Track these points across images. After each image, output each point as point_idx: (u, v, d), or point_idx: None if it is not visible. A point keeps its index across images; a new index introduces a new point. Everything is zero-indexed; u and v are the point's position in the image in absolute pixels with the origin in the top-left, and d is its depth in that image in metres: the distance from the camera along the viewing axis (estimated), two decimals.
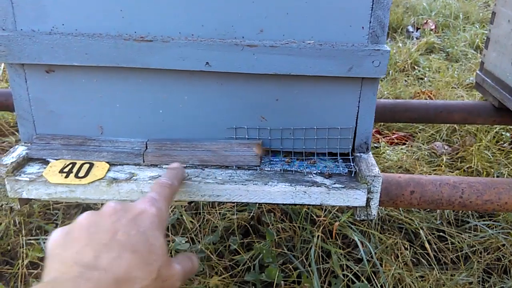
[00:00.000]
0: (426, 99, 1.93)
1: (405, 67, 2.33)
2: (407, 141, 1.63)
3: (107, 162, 0.67)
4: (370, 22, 0.63)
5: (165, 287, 0.43)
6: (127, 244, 0.41)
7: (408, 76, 2.25)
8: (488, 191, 0.75)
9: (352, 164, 0.70)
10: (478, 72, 1.28)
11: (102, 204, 1.27)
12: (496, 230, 1.18)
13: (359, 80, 0.66)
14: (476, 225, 1.21)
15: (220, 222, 1.18)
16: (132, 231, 0.43)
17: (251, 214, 1.20)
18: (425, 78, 2.21)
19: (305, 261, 1.08)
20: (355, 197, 0.64)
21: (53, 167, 0.66)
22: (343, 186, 0.65)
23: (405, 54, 2.43)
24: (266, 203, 1.13)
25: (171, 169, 0.60)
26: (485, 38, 1.23)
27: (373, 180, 0.64)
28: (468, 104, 1.25)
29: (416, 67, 2.34)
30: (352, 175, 0.68)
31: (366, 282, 1.03)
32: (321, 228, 1.16)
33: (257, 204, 1.22)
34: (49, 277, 0.38)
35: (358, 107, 0.69)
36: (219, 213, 1.22)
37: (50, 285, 0.36)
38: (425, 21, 3.11)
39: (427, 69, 2.32)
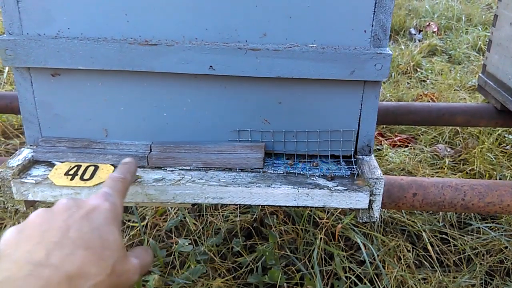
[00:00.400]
0: (429, 101, 1.93)
1: (407, 69, 2.33)
2: (409, 143, 1.63)
3: (112, 165, 0.68)
4: (372, 26, 0.64)
5: (121, 282, 0.43)
6: (79, 241, 0.41)
7: (410, 79, 2.26)
8: (490, 194, 0.75)
9: (354, 166, 0.71)
10: (480, 74, 1.28)
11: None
12: (498, 233, 1.18)
13: (362, 83, 0.67)
14: (479, 227, 1.21)
15: (223, 224, 1.19)
16: (85, 227, 0.42)
17: (254, 216, 1.21)
18: (428, 81, 2.21)
19: (308, 263, 1.08)
20: (358, 200, 0.65)
21: (59, 170, 0.67)
22: (345, 188, 0.65)
23: (407, 57, 2.43)
24: (269, 205, 1.13)
25: (124, 164, 0.59)
26: (488, 40, 1.24)
27: (375, 183, 0.65)
28: (470, 107, 1.25)
29: (418, 70, 2.35)
30: (355, 177, 0.68)
31: (369, 284, 1.03)
32: (323, 230, 1.16)
33: (260, 206, 1.22)
34: (1, 277, 0.37)
35: (361, 110, 0.69)
36: (222, 215, 1.22)
37: (1, 285, 0.36)
38: (427, 24, 3.11)
39: (430, 71, 2.32)
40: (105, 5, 0.64)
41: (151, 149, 0.70)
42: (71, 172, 0.66)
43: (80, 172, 0.66)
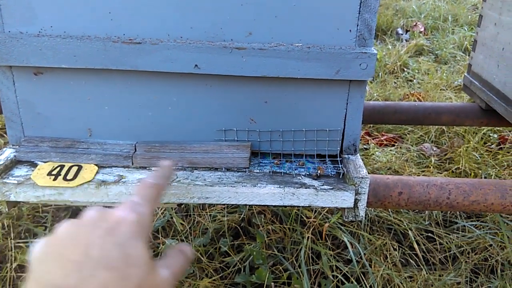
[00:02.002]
0: (415, 101, 1.95)
1: (394, 69, 2.35)
2: (396, 142, 1.64)
3: (96, 165, 0.67)
4: (357, 25, 0.64)
5: None
6: (101, 260, 0.38)
7: (397, 78, 2.27)
8: (474, 192, 0.76)
9: (340, 165, 0.71)
10: (466, 74, 1.30)
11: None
12: (483, 231, 1.20)
13: (347, 82, 0.67)
14: (464, 225, 1.22)
15: (211, 224, 1.18)
16: (108, 244, 0.40)
17: (242, 216, 1.21)
18: (414, 80, 2.23)
19: (295, 262, 1.08)
20: (343, 199, 0.65)
21: (41, 170, 0.66)
22: (331, 187, 0.65)
23: (394, 56, 2.45)
24: (255, 205, 1.13)
25: (159, 169, 0.58)
26: (473, 40, 1.25)
27: (360, 182, 0.65)
28: (456, 106, 1.27)
29: (405, 69, 2.36)
30: (340, 176, 0.69)
31: (356, 283, 1.04)
32: (311, 229, 1.16)
33: (248, 206, 1.22)
34: None
35: (346, 109, 0.69)
36: (210, 215, 1.22)
37: None
38: (414, 24, 3.14)
39: (416, 71, 2.34)
40: (89, 3, 0.63)
41: (135, 149, 0.69)
42: (54, 172, 0.65)
43: (63, 172, 0.65)
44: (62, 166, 0.67)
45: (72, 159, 0.68)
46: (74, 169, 0.66)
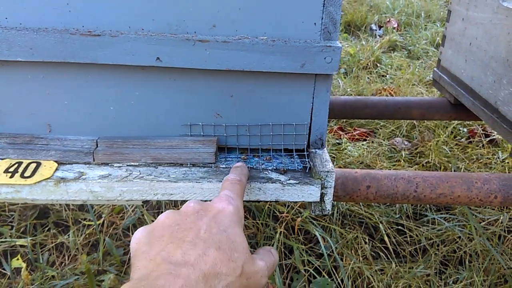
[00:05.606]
0: (387, 95, 1.97)
1: (368, 64, 2.37)
2: (368, 137, 1.65)
3: (55, 161, 0.65)
4: (322, 19, 0.63)
5: (250, 284, 0.43)
6: (210, 241, 0.41)
7: (370, 74, 2.29)
8: (441, 185, 0.76)
9: (307, 160, 0.70)
10: (435, 69, 1.31)
11: (53, 204, 1.23)
12: (452, 223, 1.22)
13: (313, 76, 0.66)
14: (434, 218, 1.24)
15: None
16: (214, 229, 0.43)
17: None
18: (387, 76, 2.25)
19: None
20: (309, 193, 0.65)
21: None
22: (297, 182, 0.65)
23: (368, 52, 2.47)
24: None
25: (236, 167, 0.61)
26: (442, 35, 1.26)
27: (326, 176, 0.65)
28: (425, 101, 1.28)
29: (378, 65, 2.39)
30: (307, 171, 0.68)
31: (327, 277, 1.04)
32: (283, 224, 1.16)
33: None
34: (139, 274, 0.38)
35: (312, 103, 0.69)
36: None
37: (143, 282, 0.37)
38: (388, 20, 3.17)
39: (389, 66, 2.36)
40: None
41: (97, 145, 0.67)
42: (11, 169, 0.63)
43: (20, 170, 0.63)
44: (20, 163, 0.64)
45: (30, 156, 0.65)
46: (33, 166, 0.64)
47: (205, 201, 0.50)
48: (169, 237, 0.42)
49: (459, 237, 1.17)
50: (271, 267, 0.48)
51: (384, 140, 1.61)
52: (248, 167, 0.68)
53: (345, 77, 2.23)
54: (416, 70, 2.28)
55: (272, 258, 0.49)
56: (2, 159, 0.65)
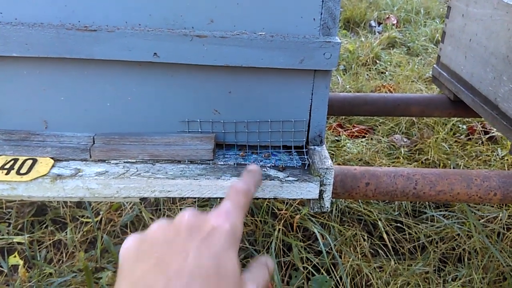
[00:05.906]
0: (386, 92, 1.96)
1: (367, 61, 2.36)
2: (367, 134, 1.65)
3: (52, 158, 0.64)
4: (321, 14, 0.62)
5: None
6: (197, 270, 0.38)
7: (370, 70, 2.29)
8: (441, 182, 0.76)
9: (306, 157, 0.70)
10: (435, 65, 1.31)
11: (50, 201, 1.22)
12: (451, 220, 1.21)
13: (312, 72, 0.66)
14: (433, 215, 1.24)
15: None
16: (204, 253, 0.40)
17: (213, 208, 1.19)
18: (386, 72, 2.25)
19: (266, 254, 1.08)
20: (308, 190, 0.64)
21: None
22: (296, 179, 0.64)
23: (367, 49, 2.46)
24: (219, 198, 1.12)
25: (249, 172, 0.56)
26: (442, 32, 1.26)
27: (325, 173, 0.64)
28: (425, 97, 1.28)
29: (377, 61, 2.38)
30: (306, 168, 0.68)
31: (325, 274, 1.04)
32: (282, 221, 1.16)
33: (219, 199, 1.21)
34: None
35: (311, 99, 0.68)
36: (180, 208, 1.20)
37: None
38: (387, 16, 3.16)
39: (389, 63, 2.35)
40: None
41: (94, 141, 0.66)
42: (7, 166, 0.62)
43: (16, 166, 0.62)
44: (16, 160, 0.64)
45: (26, 152, 0.65)
46: (29, 162, 0.63)
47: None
48: (156, 258, 0.39)
49: (458, 234, 1.17)
50: (264, 284, 0.45)
51: (383, 137, 1.61)
52: (247, 164, 0.67)
53: (344, 74, 2.22)
54: (416, 66, 2.27)
55: (265, 275, 0.46)
56: None
